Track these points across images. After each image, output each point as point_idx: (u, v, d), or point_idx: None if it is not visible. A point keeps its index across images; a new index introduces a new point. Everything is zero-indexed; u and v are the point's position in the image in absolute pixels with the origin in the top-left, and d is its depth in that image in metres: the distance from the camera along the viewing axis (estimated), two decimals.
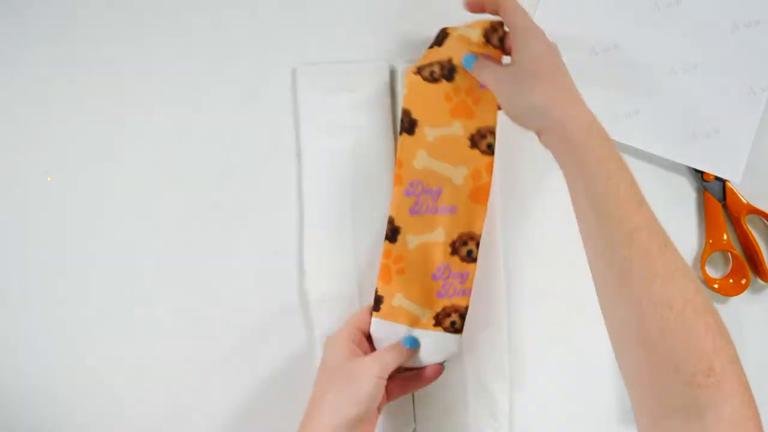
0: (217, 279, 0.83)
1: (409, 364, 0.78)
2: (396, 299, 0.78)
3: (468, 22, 0.78)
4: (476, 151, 0.78)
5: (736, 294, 0.85)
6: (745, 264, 0.85)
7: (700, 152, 0.84)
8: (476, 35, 0.76)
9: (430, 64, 0.78)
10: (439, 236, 0.79)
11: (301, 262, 0.83)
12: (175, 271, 0.83)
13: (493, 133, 0.78)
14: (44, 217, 0.83)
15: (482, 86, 0.77)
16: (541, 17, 0.83)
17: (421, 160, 0.78)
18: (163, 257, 0.83)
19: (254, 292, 0.84)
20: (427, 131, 0.78)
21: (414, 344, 0.77)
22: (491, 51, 0.76)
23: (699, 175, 0.85)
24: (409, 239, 0.79)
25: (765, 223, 0.86)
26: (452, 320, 0.78)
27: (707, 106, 0.84)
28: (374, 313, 0.78)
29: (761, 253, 0.84)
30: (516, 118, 0.72)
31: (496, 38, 0.76)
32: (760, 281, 0.85)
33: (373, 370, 0.72)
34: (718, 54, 0.84)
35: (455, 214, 0.79)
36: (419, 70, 0.78)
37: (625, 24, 0.84)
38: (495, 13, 0.74)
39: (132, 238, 0.83)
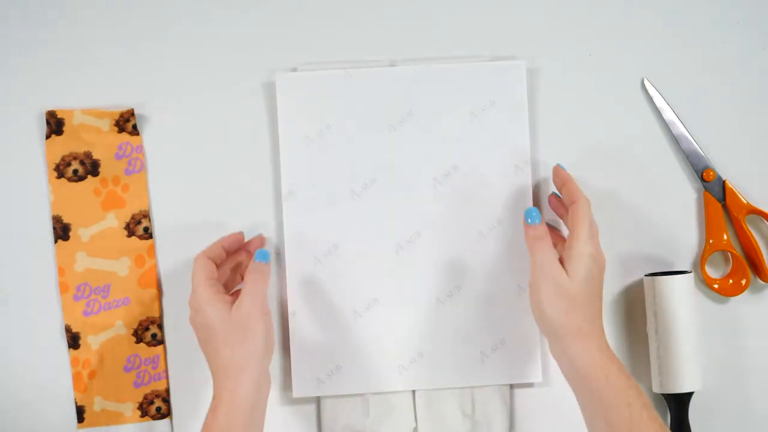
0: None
1: None
2: (97, 404, 0.82)
3: (83, 108, 0.82)
4: (134, 238, 0.82)
5: (736, 294, 0.85)
6: (745, 264, 0.84)
7: None
8: (107, 125, 0.81)
9: (68, 163, 0.81)
10: (120, 329, 0.82)
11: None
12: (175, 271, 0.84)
13: (146, 216, 0.82)
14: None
15: (128, 172, 0.82)
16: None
17: (81, 263, 0.82)
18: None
19: None
20: (81, 232, 0.82)
21: (268, 258, 0.78)
22: (129, 138, 0.81)
23: (699, 175, 0.85)
24: (91, 341, 0.82)
25: (765, 223, 0.86)
26: (157, 406, 0.82)
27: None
28: (79, 424, 0.82)
29: (761, 253, 0.84)
30: (536, 303, 0.75)
31: (130, 126, 0.82)
32: (760, 281, 0.85)
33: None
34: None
35: (129, 305, 0.82)
36: (60, 173, 0.82)
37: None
38: (567, 203, 0.78)
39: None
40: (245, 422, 0.72)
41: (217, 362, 0.74)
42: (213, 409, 0.73)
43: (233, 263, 0.82)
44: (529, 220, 0.77)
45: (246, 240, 0.83)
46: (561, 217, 0.83)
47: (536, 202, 0.84)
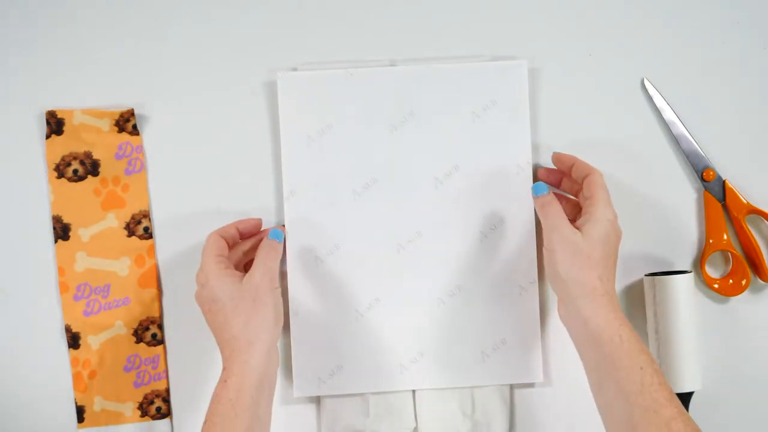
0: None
1: None
2: (97, 404, 0.82)
3: (83, 108, 0.82)
4: (134, 238, 0.83)
5: (736, 294, 0.85)
6: (745, 264, 0.84)
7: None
8: (107, 125, 0.81)
9: (68, 163, 0.81)
10: (120, 329, 0.82)
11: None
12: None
13: (147, 216, 0.83)
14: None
15: (128, 172, 0.82)
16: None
17: (81, 263, 0.82)
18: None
19: None
20: (81, 233, 0.82)
21: (281, 237, 0.80)
22: (129, 138, 0.82)
23: (699, 175, 0.85)
24: (91, 341, 0.82)
25: (765, 223, 0.86)
26: (157, 406, 0.83)
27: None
28: (79, 424, 0.82)
29: (761, 253, 0.84)
30: (551, 264, 0.76)
31: (130, 126, 0.82)
32: (760, 281, 0.85)
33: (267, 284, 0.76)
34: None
35: (129, 305, 0.83)
36: (60, 173, 0.82)
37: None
38: (580, 179, 0.78)
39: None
40: (255, 393, 0.72)
41: (227, 334, 0.74)
42: (223, 381, 0.73)
43: (246, 247, 0.82)
44: (537, 192, 0.78)
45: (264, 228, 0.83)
46: (559, 185, 0.83)
47: None
